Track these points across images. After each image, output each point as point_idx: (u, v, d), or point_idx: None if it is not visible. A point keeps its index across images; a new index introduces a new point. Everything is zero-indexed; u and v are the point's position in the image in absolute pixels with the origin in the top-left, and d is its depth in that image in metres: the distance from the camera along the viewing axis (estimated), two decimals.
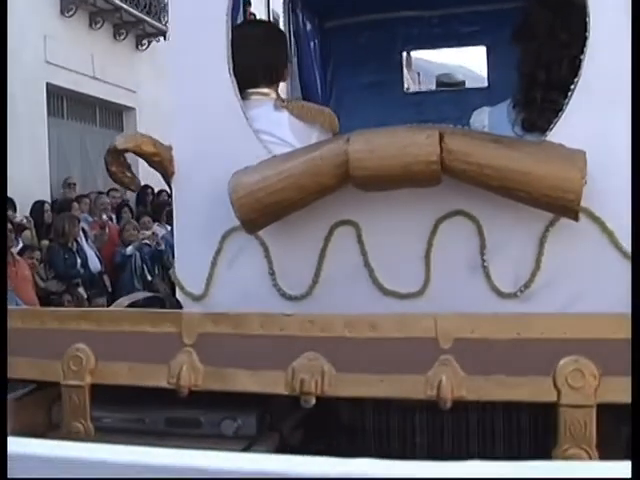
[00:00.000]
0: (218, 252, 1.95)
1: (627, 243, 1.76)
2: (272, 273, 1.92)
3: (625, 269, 1.75)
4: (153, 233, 9.36)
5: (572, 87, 1.82)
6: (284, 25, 3.20)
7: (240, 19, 2.63)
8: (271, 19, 13.30)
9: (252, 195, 1.74)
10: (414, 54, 5.09)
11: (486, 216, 1.81)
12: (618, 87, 1.78)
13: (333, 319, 1.49)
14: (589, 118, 1.78)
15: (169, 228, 9.85)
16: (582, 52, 1.80)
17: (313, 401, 1.38)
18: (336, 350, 1.43)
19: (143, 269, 8.80)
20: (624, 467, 0.81)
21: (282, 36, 2.45)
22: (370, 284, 1.88)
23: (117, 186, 10.62)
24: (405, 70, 3.77)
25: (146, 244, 9.02)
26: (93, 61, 11.47)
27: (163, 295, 2.76)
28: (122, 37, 12.58)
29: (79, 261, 8.05)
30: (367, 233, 1.87)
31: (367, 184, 1.70)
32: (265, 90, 2.10)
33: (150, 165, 1.97)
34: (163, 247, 9.31)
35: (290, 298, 1.92)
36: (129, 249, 8.56)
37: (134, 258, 8.60)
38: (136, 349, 1.48)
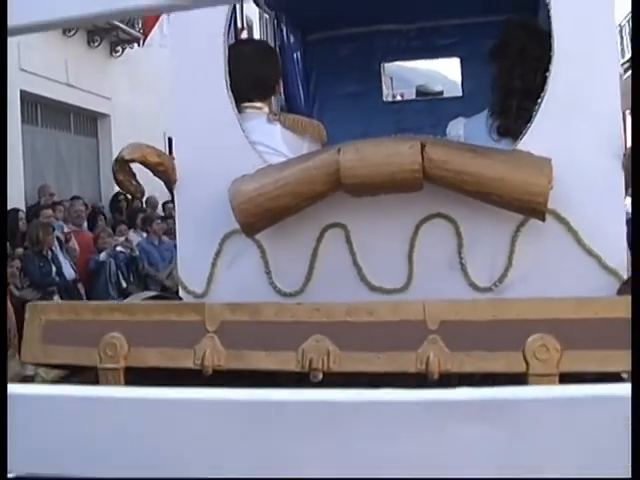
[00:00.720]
0: (218, 254, 2.14)
1: (590, 241, 1.99)
2: (268, 272, 2.12)
3: (587, 264, 1.97)
4: (127, 239, 9.39)
5: (539, 100, 2.04)
6: (260, 34, 3.39)
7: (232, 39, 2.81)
8: (244, 25, 13.38)
9: (251, 201, 1.94)
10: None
11: (463, 218, 2.02)
12: (582, 99, 2.00)
13: (336, 307, 1.69)
14: (555, 128, 2.00)
15: (145, 235, 9.95)
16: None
17: (320, 376, 1.61)
18: (339, 333, 1.65)
19: (118, 276, 8.79)
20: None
21: (273, 54, 2.65)
22: (358, 281, 2.08)
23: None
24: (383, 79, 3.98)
25: (121, 252, 9.06)
26: (67, 68, 11.53)
27: (167, 294, 2.94)
28: (96, 44, 12.64)
29: (54, 269, 8.05)
30: (355, 235, 2.08)
31: (356, 190, 1.90)
32: (258, 104, 2.30)
33: (154, 174, 2.16)
34: (138, 254, 9.41)
35: (285, 295, 2.11)
36: (102, 255, 8.61)
37: (108, 265, 8.62)
38: (165, 336, 1.67)
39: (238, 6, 3.49)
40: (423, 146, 1.83)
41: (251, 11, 12.58)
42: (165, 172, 2.13)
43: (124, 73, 13.26)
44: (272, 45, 3.17)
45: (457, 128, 2.38)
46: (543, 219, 1.92)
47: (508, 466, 0.61)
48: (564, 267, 1.96)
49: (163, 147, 14.86)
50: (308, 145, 2.26)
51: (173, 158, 2.17)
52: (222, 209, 2.05)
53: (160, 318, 1.74)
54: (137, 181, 2.15)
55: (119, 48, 13.17)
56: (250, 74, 2.26)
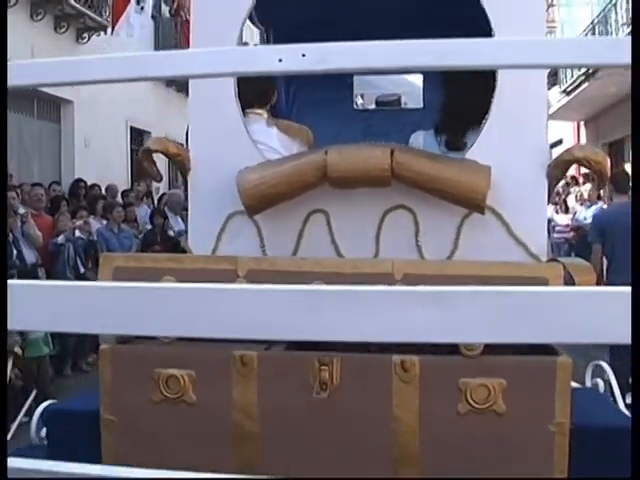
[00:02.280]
0: (222, 230, 2.71)
1: (518, 232, 2.61)
2: (263, 247, 2.69)
3: (516, 250, 2.60)
4: (85, 222, 9.64)
5: (484, 121, 2.66)
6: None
7: None
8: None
9: (254, 188, 2.51)
10: None
11: (420, 209, 2.63)
12: (517, 122, 2.62)
13: (330, 261, 2.28)
14: (495, 143, 2.62)
15: (104, 222, 10.36)
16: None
17: None
18: (331, 280, 2.20)
19: (76, 261, 9.09)
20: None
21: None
22: (335, 256, 2.67)
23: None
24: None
25: (79, 237, 9.39)
26: (33, 52, 11.69)
27: None
28: (63, 30, 13.01)
29: (15, 252, 8.34)
30: (334, 219, 2.66)
31: (338, 183, 2.49)
32: (259, 111, 2.89)
33: (172, 162, 2.73)
34: (96, 238, 9.76)
35: None
36: (60, 238, 8.88)
37: (67, 250, 8.93)
38: (206, 280, 2.22)
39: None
40: (392, 151, 2.44)
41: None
42: (181, 162, 2.70)
43: None
44: None
45: (417, 140, 3.00)
46: (482, 213, 2.53)
47: (445, 331, 1.19)
48: (497, 251, 2.56)
49: (125, 134, 15.22)
50: (298, 146, 2.86)
51: (188, 150, 2.73)
52: (227, 194, 2.62)
53: (202, 266, 2.30)
54: (157, 168, 2.72)
55: (86, 35, 13.59)
56: (253, 85, 2.84)
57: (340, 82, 4.25)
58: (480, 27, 2.62)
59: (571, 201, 14.60)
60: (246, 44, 3.56)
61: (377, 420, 1.91)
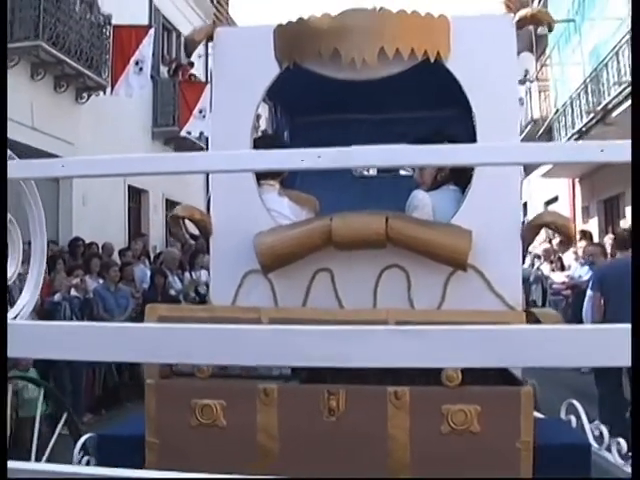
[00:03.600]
0: (239, 286, 3.24)
1: (496, 286, 3.14)
2: (275, 300, 3.22)
3: (494, 301, 3.12)
4: (82, 280, 10.01)
5: (466, 190, 3.23)
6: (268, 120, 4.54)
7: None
8: (209, 78, 14.75)
9: (270, 249, 3.05)
10: None
11: (412, 268, 3.16)
12: (494, 193, 3.18)
13: (337, 311, 2.84)
14: (475, 212, 3.17)
15: (101, 281, 10.74)
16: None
17: None
18: None
19: (72, 319, 9.32)
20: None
21: (282, 146, 3.81)
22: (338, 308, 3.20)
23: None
24: None
25: (75, 296, 9.77)
26: (33, 111, 12.46)
27: None
28: (62, 89, 13.64)
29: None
30: (337, 276, 3.20)
31: (341, 246, 3.04)
32: (272, 182, 3.46)
33: (196, 227, 3.28)
34: (92, 296, 10.11)
35: None
36: (57, 296, 9.20)
37: (63, 308, 9.23)
38: None
39: None
40: (387, 218, 2.99)
41: None
42: (204, 226, 3.25)
43: (89, 119, 14.26)
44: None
45: (412, 200, 3.54)
46: (465, 270, 3.07)
47: (424, 358, 1.72)
48: (479, 302, 3.09)
49: (123, 192, 15.74)
50: (306, 213, 3.43)
51: (210, 217, 3.28)
52: (244, 254, 3.16)
53: (230, 314, 2.83)
54: (186, 231, 3.27)
55: (85, 94, 14.21)
56: None
57: None
58: (465, 103, 3.21)
59: (568, 259, 15.11)
60: (259, 116, 4.10)
61: (375, 438, 2.40)
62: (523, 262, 3.44)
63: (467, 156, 1.84)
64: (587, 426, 3.15)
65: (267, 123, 4.64)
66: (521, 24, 3.28)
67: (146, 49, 14.19)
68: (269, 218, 3.24)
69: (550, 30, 3.43)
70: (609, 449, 2.88)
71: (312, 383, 2.49)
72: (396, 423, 2.40)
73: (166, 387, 2.57)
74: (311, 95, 3.95)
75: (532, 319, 3.00)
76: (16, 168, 2.19)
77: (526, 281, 17.15)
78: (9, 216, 2.71)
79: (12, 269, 2.67)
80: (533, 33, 20.27)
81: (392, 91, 3.71)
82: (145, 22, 16.36)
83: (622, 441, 2.84)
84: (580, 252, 14.06)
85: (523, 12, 3.26)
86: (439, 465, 2.19)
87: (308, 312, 2.89)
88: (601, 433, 3.11)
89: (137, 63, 14.07)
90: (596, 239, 14.97)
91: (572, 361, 1.67)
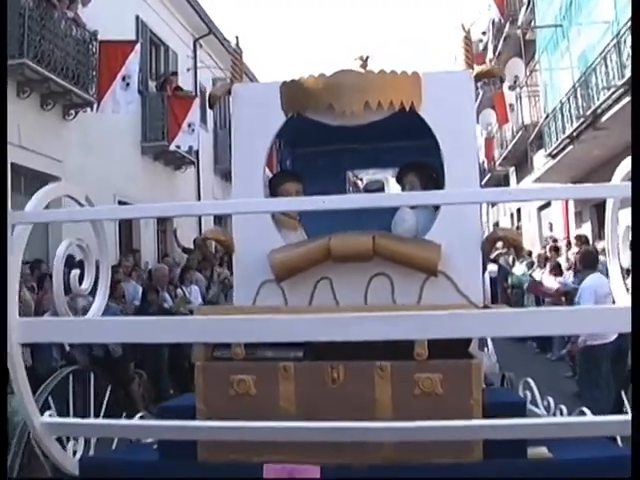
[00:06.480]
0: (257, 293, 4.38)
1: (462, 288, 4.26)
2: (286, 304, 4.34)
3: (461, 300, 4.25)
4: (72, 299, 10.89)
5: (437, 212, 4.38)
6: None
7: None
8: (198, 91, 16.11)
9: (282, 263, 4.20)
10: None
11: (394, 275, 4.27)
12: (460, 214, 4.29)
13: (335, 308, 4.00)
14: (444, 229, 4.29)
15: (91, 299, 11.62)
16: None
17: None
18: None
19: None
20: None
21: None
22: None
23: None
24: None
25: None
26: (20, 130, 13.10)
27: None
28: (49, 107, 14.45)
29: None
30: (335, 283, 4.30)
31: (338, 259, 4.17)
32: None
33: (222, 246, 4.43)
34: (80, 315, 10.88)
35: None
36: (46, 315, 9.43)
37: None
38: None
39: None
40: (374, 237, 4.14)
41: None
42: (228, 245, 4.39)
43: (76, 136, 15.10)
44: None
45: (401, 215, 4.68)
46: (436, 276, 4.21)
47: (393, 334, 2.86)
48: (448, 301, 4.21)
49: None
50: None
51: (232, 238, 4.41)
52: (260, 268, 4.29)
53: (257, 312, 3.97)
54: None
55: (72, 112, 15.05)
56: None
57: (336, 178, 6.03)
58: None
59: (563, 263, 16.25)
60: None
61: (366, 400, 3.49)
62: (484, 270, 4.60)
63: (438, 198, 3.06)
64: (537, 396, 4.33)
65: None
66: (478, 77, 4.46)
67: (133, 64, 15.17)
68: (280, 238, 4.38)
69: (502, 81, 4.64)
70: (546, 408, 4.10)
71: (318, 361, 3.62)
72: (381, 389, 3.52)
73: (210, 367, 3.68)
74: (310, 132, 5.06)
75: None
76: (91, 212, 3.38)
77: (519, 287, 18.38)
78: (84, 242, 3.77)
79: (87, 282, 3.78)
80: (522, 39, 21.62)
81: (378, 128, 4.85)
82: (132, 37, 17.41)
83: (551, 399, 4.05)
84: (572, 258, 15.23)
85: (479, 68, 4.44)
86: (413, 419, 3.29)
87: (313, 309, 4.04)
88: (549, 403, 4.31)
89: (124, 79, 15.00)
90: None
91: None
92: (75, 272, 3.63)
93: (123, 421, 3.86)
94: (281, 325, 2.98)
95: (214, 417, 3.48)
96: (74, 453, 3.72)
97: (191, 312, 12.45)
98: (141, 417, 4.19)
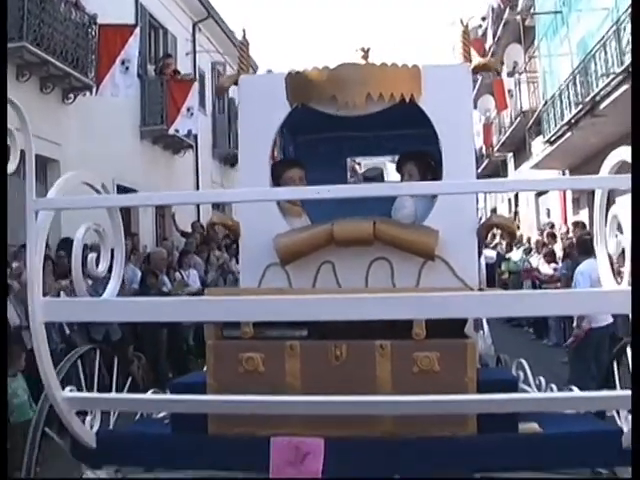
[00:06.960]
0: (262, 276, 4.63)
1: (458, 271, 4.52)
2: (290, 286, 4.59)
3: (457, 284, 4.50)
4: (71, 282, 11.17)
5: (434, 200, 4.63)
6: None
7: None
8: (197, 75, 16.36)
9: (286, 247, 4.45)
10: None
11: (394, 259, 4.54)
12: (457, 201, 4.55)
13: (338, 290, 4.27)
14: (441, 215, 4.55)
15: (90, 282, 11.92)
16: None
17: None
18: None
19: (61, 322, 10.60)
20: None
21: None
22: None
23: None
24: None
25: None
26: None
27: None
28: (49, 90, 14.56)
29: None
30: (338, 267, 4.57)
31: (340, 243, 4.43)
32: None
33: (229, 231, 4.68)
34: None
35: None
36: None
37: None
38: None
39: None
40: (374, 223, 4.39)
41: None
42: (235, 230, 4.64)
43: (75, 120, 15.27)
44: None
45: (400, 202, 4.93)
46: (434, 260, 4.48)
47: (392, 313, 3.13)
48: (445, 284, 4.45)
49: (112, 193, 16.89)
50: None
51: (239, 223, 4.66)
52: (266, 252, 4.55)
53: (265, 293, 4.21)
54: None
55: (71, 95, 15.18)
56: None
57: (336, 165, 6.27)
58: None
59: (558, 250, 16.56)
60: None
61: (367, 377, 3.74)
62: (479, 255, 4.86)
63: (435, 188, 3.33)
64: (530, 376, 4.61)
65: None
66: (475, 71, 4.71)
67: (132, 48, 15.31)
68: (285, 224, 4.63)
69: (498, 73, 4.89)
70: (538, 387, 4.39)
71: (322, 340, 3.88)
72: (382, 367, 3.76)
73: (220, 345, 3.94)
74: (311, 120, 5.30)
75: None
76: (112, 200, 3.64)
77: (516, 273, 18.74)
78: (100, 227, 4.02)
79: (103, 265, 4.02)
80: (521, 25, 21.80)
81: (378, 117, 5.08)
82: (131, 21, 17.55)
83: (542, 379, 4.33)
84: (563, 245, 15.55)
85: (476, 61, 4.68)
86: (412, 394, 3.55)
87: (316, 291, 4.30)
88: (540, 382, 4.60)
89: (123, 62, 15.15)
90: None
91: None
92: (92, 255, 3.84)
93: (140, 395, 4.12)
94: (287, 305, 3.25)
95: (224, 393, 3.73)
96: (91, 427, 3.97)
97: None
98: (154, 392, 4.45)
